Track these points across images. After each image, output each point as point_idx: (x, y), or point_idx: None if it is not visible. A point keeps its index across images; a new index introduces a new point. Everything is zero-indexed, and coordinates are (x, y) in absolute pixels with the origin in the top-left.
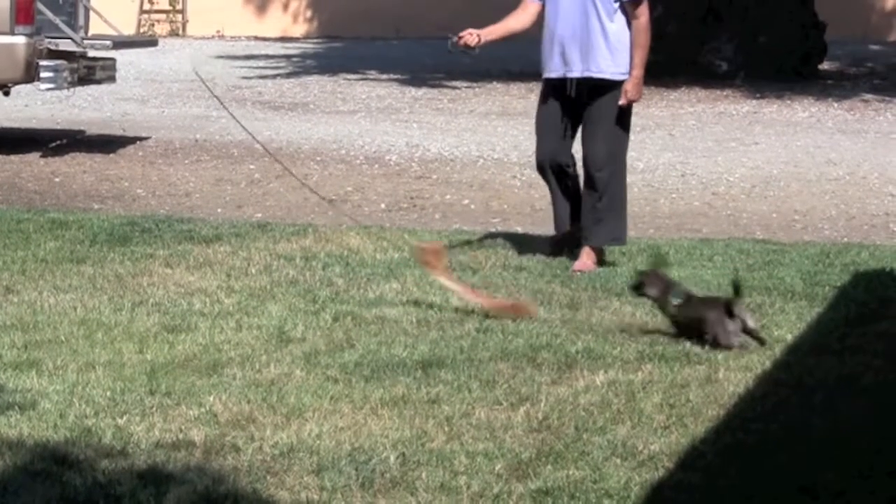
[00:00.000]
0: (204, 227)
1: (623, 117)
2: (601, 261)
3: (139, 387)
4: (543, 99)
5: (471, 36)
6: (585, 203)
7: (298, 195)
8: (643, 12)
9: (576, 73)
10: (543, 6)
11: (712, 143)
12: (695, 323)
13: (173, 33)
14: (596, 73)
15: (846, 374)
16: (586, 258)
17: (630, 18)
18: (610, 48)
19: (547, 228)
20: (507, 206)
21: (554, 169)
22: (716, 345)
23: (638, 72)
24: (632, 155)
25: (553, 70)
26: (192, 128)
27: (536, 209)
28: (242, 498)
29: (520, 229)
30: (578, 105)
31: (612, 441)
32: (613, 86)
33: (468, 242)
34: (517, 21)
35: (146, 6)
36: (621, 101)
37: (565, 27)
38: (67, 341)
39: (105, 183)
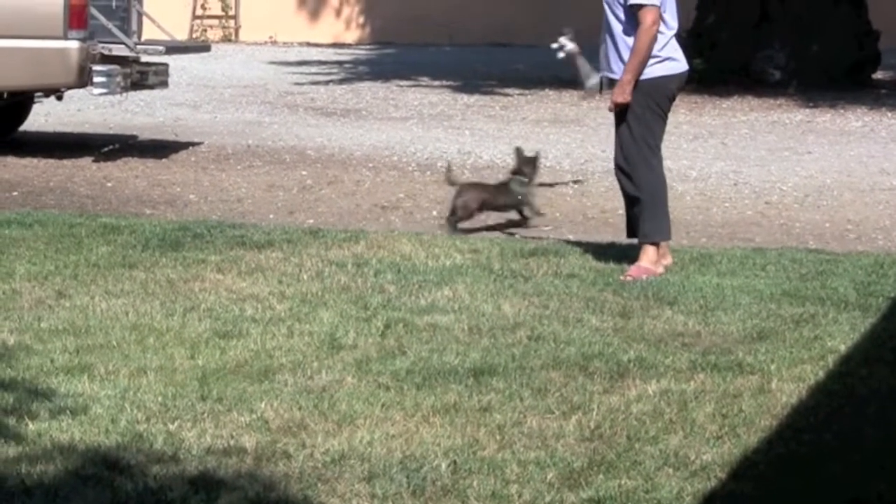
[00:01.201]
0: (256, 232)
1: (640, 116)
2: (659, 256)
3: (190, 392)
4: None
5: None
6: (626, 202)
7: (350, 201)
8: (645, 18)
9: (606, 73)
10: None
11: (765, 152)
12: None
13: (226, 39)
14: (611, 75)
15: None
16: (642, 262)
17: (636, 21)
18: (619, 50)
19: (600, 236)
20: (559, 213)
21: (615, 171)
22: None
23: (628, 76)
24: (684, 163)
25: (602, 71)
26: (245, 133)
27: (588, 217)
28: None
29: (571, 237)
30: None
31: (665, 451)
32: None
33: (520, 249)
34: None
35: (199, 12)
36: (608, 105)
37: (601, 29)
38: (119, 346)
39: (157, 188)
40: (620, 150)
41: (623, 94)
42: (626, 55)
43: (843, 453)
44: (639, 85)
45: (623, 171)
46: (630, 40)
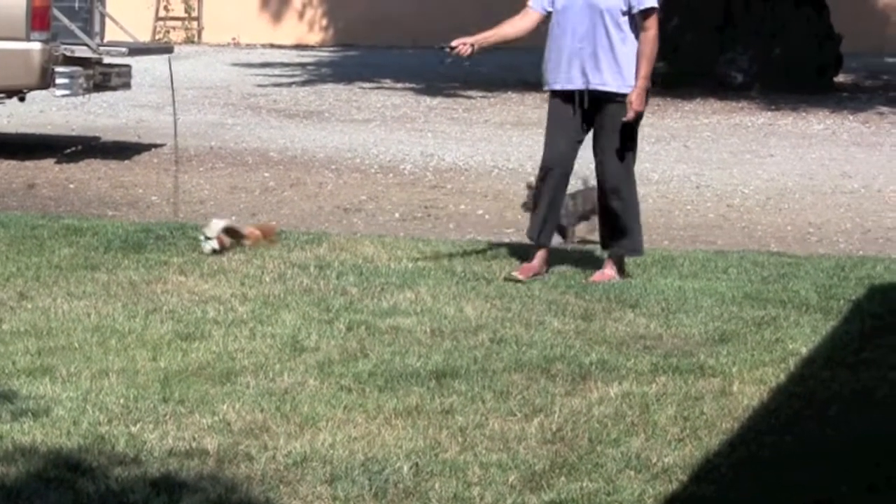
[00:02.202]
0: None
1: (632, 129)
2: (622, 271)
3: (152, 394)
4: (553, 108)
5: (464, 46)
6: (605, 215)
7: (312, 203)
8: (652, 24)
9: (582, 85)
10: (546, 16)
11: (727, 155)
12: None
13: (189, 40)
14: (601, 87)
15: (861, 387)
16: (608, 269)
17: (639, 30)
18: (617, 61)
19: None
20: (521, 216)
21: (557, 176)
22: None
23: (643, 83)
24: (646, 166)
25: (558, 82)
26: (207, 135)
27: None
28: None
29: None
30: (587, 116)
31: (626, 453)
32: (621, 98)
33: (482, 252)
34: (513, 27)
35: (162, 13)
36: (628, 115)
37: (573, 39)
38: (81, 348)
39: (120, 189)
40: (616, 167)
41: (643, 103)
42: (624, 65)
43: (805, 456)
44: (628, 96)
45: (616, 181)
46: (627, 49)
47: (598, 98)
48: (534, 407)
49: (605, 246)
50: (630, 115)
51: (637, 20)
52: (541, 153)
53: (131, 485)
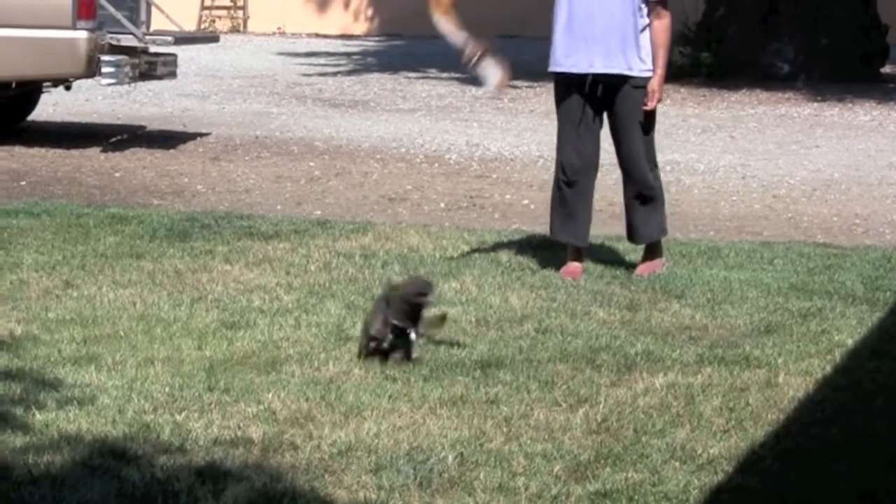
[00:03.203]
0: (263, 223)
1: (652, 115)
2: (661, 253)
3: (198, 383)
4: (562, 98)
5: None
6: (633, 203)
7: (358, 193)
8: (667, 13)
9: (600, 69)
10: None
11: (773, 146)
12: None
13: (234, 30)
14: (625, 71)
15: None
16: (652, 261)
17: (653, 17)
18: (639, 48)
19: (607, 230)
20: None
21: (584, 173)
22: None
23: (662, 71)
24: (692, 157)
25: (573, 66)
26: (253, 124)
27: (596, 210)
28: (300, 496)
29: None
30: (602, 102)
31: (671, 444)
32: (642, 83)
33: (527, 242)
34: None
35: (208, 2)
36: (651, 104)
37: (589, 22)
38: (126, 337)
39: (165, 179)
40: (641, 155)
41: (662, 91)
42: (644, 52)
43: (851, 448)
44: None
45: (643, 168)
46: (644, 37)
47: (618, 83)
48: (579, 397)
49: (638, 237)
50: (652, 103)
51: (651, 8)
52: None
53: (176, 473)
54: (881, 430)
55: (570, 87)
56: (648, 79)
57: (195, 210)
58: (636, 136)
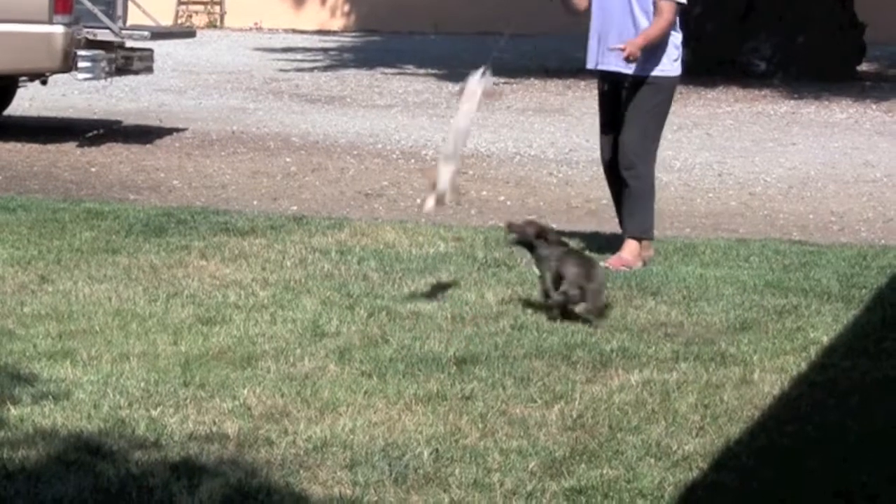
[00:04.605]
0: (239, 219)
1: (656, 113)
2: (639, 255)
3: (173, 378)
4: (599, 93)
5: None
6: (623, 192)
7: (334, 188)
8: (669, 10)
9: (610, 66)
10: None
11: (749, 143)
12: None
13: (211, 25)
14: (625, 70)
15: (882, 376)
16: (625, 253)
17: (656, 13)
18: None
19: (584, 225)
20: (543, 202)
21: (612, 166)
22: None
23: (642, 41)
24: (668, 154)
25: (590, 62)
26: (229, 120)
27: (572, 206)
28: (275, 491)
29: (555, 226)
30: (621, 99)
31: (647, 441)
32: (646, 82)
33: (504, 239)
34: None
35: None
36: (624, 53)
37: (605, 21)
38: (102, 332)
39: (141, 174)
40: (630, 144)
41: (635, 55)
42: (650, 50)
43: (826, 445)
44: (660, 82)
45: (630, 162)
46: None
47: (626, 81)
48: (554, 394)
49: (623, 230)
50: (626, 51)
51: (656, 5)
52: (563, 140)
53: (151, 468)
54: (856, 427)
55: (601, 84)
56: (659, 77)
57: (171, 205)
58: (633, 122)
